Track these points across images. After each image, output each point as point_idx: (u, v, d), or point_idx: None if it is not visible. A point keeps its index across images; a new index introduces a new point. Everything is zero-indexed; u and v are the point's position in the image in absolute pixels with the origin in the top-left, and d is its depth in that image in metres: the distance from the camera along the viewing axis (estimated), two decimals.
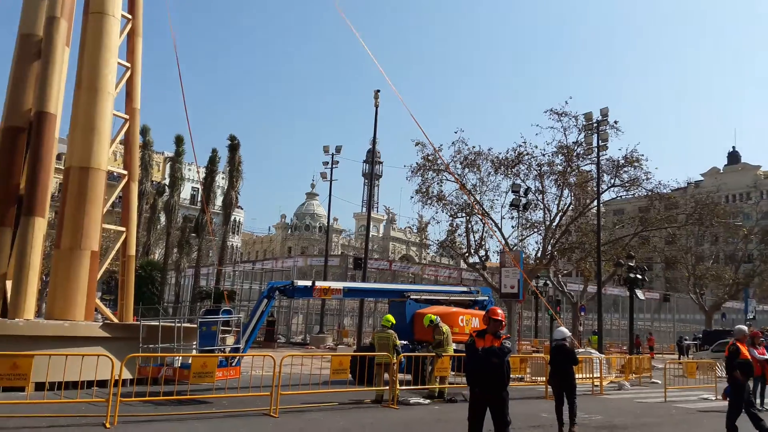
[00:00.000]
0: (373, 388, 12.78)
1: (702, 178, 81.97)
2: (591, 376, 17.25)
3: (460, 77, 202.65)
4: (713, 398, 16.61)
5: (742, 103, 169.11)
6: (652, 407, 14.61)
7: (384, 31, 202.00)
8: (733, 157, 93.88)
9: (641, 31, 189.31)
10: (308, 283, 15.43)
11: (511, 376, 8.00)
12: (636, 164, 29.93)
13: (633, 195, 33.04)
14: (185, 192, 67.48)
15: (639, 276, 24.20)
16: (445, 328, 14.22)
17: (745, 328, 11.65)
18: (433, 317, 14.36)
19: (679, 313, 46.83)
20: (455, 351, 14.36)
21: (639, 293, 26.12)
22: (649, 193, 31.55)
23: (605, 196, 31.93)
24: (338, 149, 36.09)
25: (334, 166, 35.89)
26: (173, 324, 13.76)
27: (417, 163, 31.29)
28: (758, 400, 14.83)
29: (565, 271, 38.77)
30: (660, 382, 18.38)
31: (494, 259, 32.20)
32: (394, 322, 13.80)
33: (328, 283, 17.44)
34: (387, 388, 12.61)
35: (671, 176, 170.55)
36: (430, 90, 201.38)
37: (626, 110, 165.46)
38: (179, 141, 41.76)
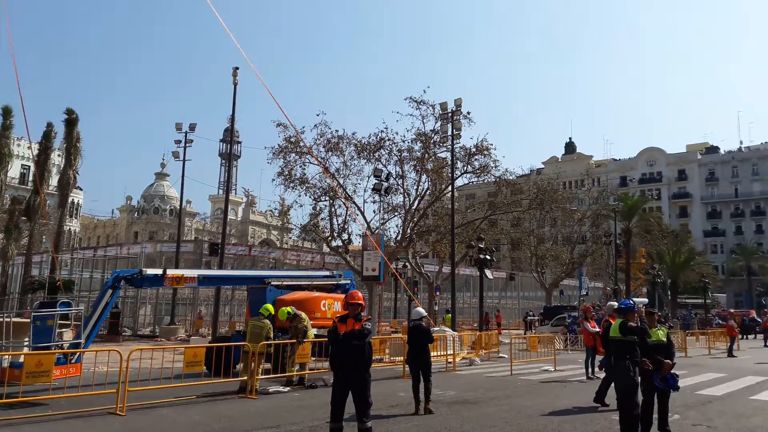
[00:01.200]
0: (231, 379, 12.33)
1: (543, 166, 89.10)
2: (445, 353, 18.01)
3: (327, 61, 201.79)
4: (552, 369, 18.11)
5: (577, 96, 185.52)
6: (499, 380, 15.57)
7: (245, 8, 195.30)
8: (570, 147, 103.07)
9: (493, 29, 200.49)
10: (158, 271, 14.44)
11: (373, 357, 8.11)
12: (486, 152, 31.64)
13: (483, 181, 34.94)
14: (14, 170, 60.54)
15: (488, 257, 25.69)
16: (303, 315, 14.06)
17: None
18: (290, 309, 14.09)
19: (524, 290, 50.65)
20: (316, 336, 14.27)
21: (488, 273, 27.74)
22: (497, 179, 33.52)
23: (459, 182, 33.51)
24: (192, 127, 34.20)
25: (187, 144, 34.04)
26: (0, 319, 12.25)
27: (279, 145, 30.66)
28: (590, 369, 16.41)
29: (423, 253, 40.25)
30: (507, 356, 19.58)
31: (357, 243, 32.58)
32: (272, 311, 13.42)
33: (181, 270, 16.47)
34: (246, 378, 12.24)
35: (517, 164, 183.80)
36: (295, 73, 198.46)
37: (480, 102, 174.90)
38: (7, 112, 37.06)
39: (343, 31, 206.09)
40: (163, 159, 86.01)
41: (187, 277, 15.06)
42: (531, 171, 41.93)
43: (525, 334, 29.87)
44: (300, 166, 30.94)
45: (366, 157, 31.45)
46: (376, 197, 31.22)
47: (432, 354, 11.94)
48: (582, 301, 30.51)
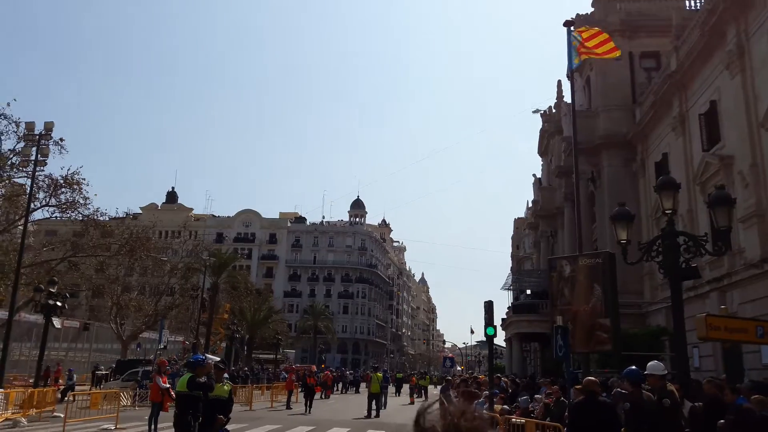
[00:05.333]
0: None
1: (141, 212, 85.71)
2: None
3: None
4: (113, 428, 16.69)
5: (183, 148, 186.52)
6: None
7: None
8: (172, 196, 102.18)
9: (96, 64, 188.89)
10: None
11: None
12: (76, 187, 28.72)
13: (69, 218, 31.49)
14: None
15: (59, 303, 22.69)
16: None
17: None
18: None
19: (98, 342, 46.29)
20: None
21: (56, 321, 24.51)
22: (86, 218, 30.62)
23: (38, 215, 29.51)
24: None
25: None
26: None
27: None
28: (153, 426, 15.60)
29: None
30: (62, 415, 17.41)
31: None
32: None
33: None
34: None
35: (114, 205, 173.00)
36: None
37: (84, 133, 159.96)
38: None
39: None
40: None
41: None
42: (127, 214, 39.45)
43: (91, 389, 27.04)
44: None
45: None
46: None
47: None
48: (159, 355, 29.43)
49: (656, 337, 21.44)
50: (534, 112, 67.08)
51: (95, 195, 71.87)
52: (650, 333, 22.12)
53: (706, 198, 20.33)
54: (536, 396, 15.26)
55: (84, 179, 28.99)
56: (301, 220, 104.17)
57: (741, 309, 17.96)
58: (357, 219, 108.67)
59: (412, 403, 35.17)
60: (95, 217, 30.96)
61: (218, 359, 11.25)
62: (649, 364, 8.36)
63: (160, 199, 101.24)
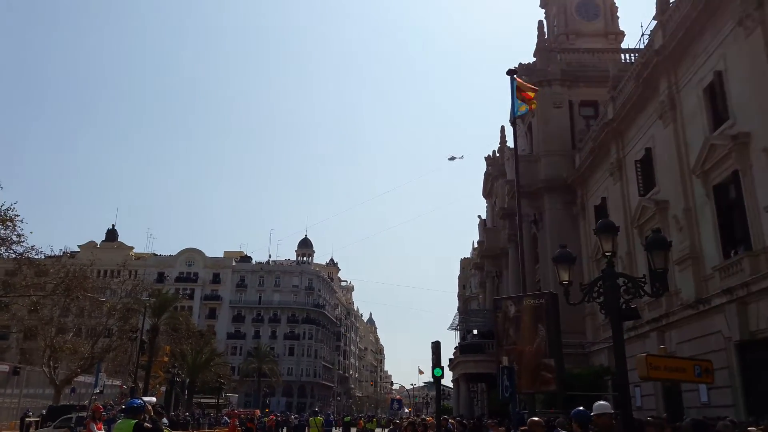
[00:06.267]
0: None
1: (79, 250, 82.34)
2: None
3: None
4: None
5: (125, 186, 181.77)
6: None
7: None
8: (112, 234, 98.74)
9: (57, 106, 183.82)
10: None
11: None
12: (10, 224, 27.61)
13: (1, 256, 30.09)
14: None
15: None
16: None
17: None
18: None
19: (29, 387, 43.63)
20: None
21: None
22: (19, 256, 29.36)
23: None
24: None
25: None
26: None
27: None
28: None
29: None
30: None
31: None
32: None
33: None
34: None
35: (51, 242, 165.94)
36: None
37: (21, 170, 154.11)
38: None
39: None
40: None
41: None
42: (64, 253, 37.76)
43: None
44: None
45: None
46: None
47: None
48: (94, 400, 27.99)
49: (599, 377, 21.81)
50: (450, 159, 69.35)
51: (31, 232, 68.60)
52: (593, 373, 22.50)
53: (644, 241, 21.18)
54: None
55: (18, 215, 27.98)
56: (246, 259, 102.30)
57: (679, 348, 18.54)
58: (304, 258, 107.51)
59: None
60: (29, 255, 29.75)
61: (154, 400, 10.77)
62: (596, 404, 8.48)
63: (99, 237, 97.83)
